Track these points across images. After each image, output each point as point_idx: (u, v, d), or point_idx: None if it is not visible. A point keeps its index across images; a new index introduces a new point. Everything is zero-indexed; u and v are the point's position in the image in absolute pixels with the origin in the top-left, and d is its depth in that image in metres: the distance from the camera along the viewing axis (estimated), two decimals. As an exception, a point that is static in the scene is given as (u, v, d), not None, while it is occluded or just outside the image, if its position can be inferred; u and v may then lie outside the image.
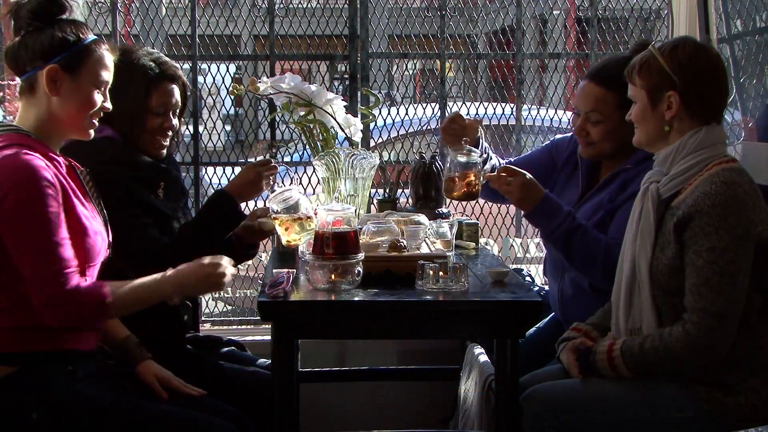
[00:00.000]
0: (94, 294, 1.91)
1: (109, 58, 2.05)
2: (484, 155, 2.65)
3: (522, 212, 2.57)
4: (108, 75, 2.05)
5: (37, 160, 1.89)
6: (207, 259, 2.01)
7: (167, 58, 2.46)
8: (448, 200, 3.04)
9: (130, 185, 2.31)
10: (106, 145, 2.33)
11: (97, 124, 2.06)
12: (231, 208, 2.45)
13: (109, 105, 2.06)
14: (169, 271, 1.99)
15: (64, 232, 1.89)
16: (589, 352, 2.16)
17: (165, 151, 2.46)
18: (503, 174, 2.37)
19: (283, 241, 2.39)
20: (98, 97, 2.03)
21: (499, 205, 3.58)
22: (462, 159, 2.45)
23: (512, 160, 2.87)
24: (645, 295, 2.08)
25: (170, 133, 2.45)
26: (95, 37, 2.04)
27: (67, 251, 1.89)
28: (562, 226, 2.34)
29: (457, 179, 2.45)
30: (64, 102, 1.99)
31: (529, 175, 2.38)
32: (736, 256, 1.96)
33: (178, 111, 2.46)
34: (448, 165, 2.48)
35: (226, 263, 2.02)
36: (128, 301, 1.96)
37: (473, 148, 2.49)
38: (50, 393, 1.91)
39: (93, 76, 2.01)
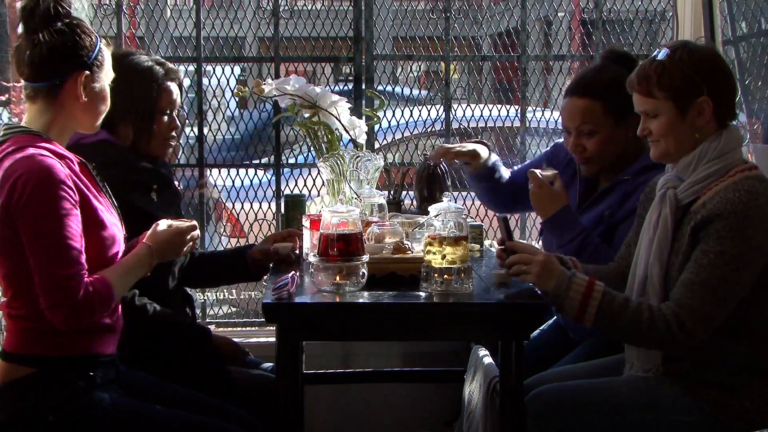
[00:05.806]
0: (102, 294, 1.89)
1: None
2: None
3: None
4: (112, 72, 2.07)
5: (51, 160, 1.87)
6: (175, 226, 2.09)
7: (164, 60, 2.46)
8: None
9: (123, 192, 2.20)
10: (105, 148, 2.31)
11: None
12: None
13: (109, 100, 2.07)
14: (148, 242, 2.05)
15: (77, 235, 1.86)
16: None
17: (171, 151, 2.46)
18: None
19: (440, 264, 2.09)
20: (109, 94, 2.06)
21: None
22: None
23: (515, 169, 2.87)
24: (654, 301, 2.06)
25: (175, 133, 2.44)
26: (100, 36, 2.05)
27: (79, 255, 1.86)
28: (575, 241, 2.35)
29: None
30: (90, 104, 2.00)
31: (550, 190, 2.40)
32: (743, 266, 1.93)
33: (176, 112, 2.45)
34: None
35: (193, 229, 2.13)
36: (125, 286, 2.01)
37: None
38: (69, 397, 1.91)
39: (108, 76, 2.04)
